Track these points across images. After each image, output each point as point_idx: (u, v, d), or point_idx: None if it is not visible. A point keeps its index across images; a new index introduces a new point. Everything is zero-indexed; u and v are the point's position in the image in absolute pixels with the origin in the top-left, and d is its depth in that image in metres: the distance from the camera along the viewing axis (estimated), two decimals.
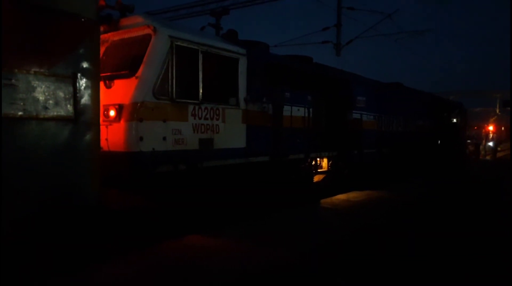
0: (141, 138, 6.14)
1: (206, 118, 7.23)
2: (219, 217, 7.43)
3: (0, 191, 4.24)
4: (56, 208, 4.85)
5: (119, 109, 6.11)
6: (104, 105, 5.97)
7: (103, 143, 5.80)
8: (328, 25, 18.29)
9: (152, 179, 6.40)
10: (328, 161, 11.04)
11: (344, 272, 5.04)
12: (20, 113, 4.55)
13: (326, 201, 9.33)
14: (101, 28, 6.63)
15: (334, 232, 6.80)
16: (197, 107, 7.04)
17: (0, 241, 3.93)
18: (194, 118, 7.01)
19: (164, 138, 6.49)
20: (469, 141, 28.62)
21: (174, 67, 6.61)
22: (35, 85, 4.68)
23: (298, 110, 9.66)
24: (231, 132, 7.76)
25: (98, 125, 5.41)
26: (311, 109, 10.10)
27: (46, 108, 4.76)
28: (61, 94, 4.91)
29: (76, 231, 4.97)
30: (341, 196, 10.01)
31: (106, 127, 6.11)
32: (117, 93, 6.28)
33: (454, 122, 21.72)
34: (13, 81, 4.51)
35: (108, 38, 6.98)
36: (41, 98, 4.73)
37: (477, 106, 55.38)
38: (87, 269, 4.72)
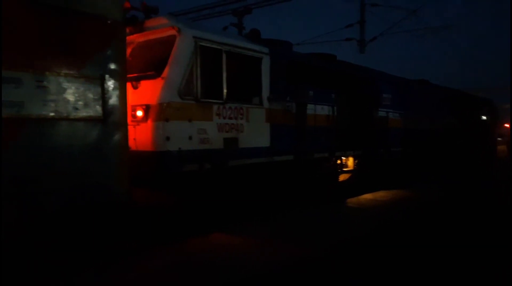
0: (167, 138, 6.22)
1: (230, 118, 7.26)
2: (244, 215, 7.47)
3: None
4: (87, 205, 4.98)
5: (146, 109, 6.21)
6: (132, 106, 6.08)
7: (131, 143, 5.90)
8: (352, 22, 18.09)
9: (178, 178, 6.48)
10: (354, 160, 10.91)
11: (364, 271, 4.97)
12: (51, 114, 4.69)
13: (352, 201, 9.22)
14: (127, 30, 6.76)
15: (359, 231, 6.71)
16: (221, 107, 7.08)
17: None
18: (219, 118, 7.06)
19: (190, 138, 6.56)
20: (499, 139, 27.71)
21: (198, 67, 6.67)
22: (65, 86, 4.82)
23: (322, 108, 9.58)
24: (255, 131, 7.77)
25: (126, 125, 5.52)
26: (335, 107, 10.00)
27: (76, 109, 4.89)
28: (90, 95, 5.04)
29: (106, 227, 5.09)
30: (367, 196, 9.87)
31: (134, 127, 6.22)
32: (144, 94, 6.39)
33: (483, 120, 21.07)
34: (44, 83, 4.65)
35: (134, 39, 7.11)
36: (71, 99, 4.86)
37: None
38: (117, 264, 4.82)
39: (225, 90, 7.13)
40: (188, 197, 6.72)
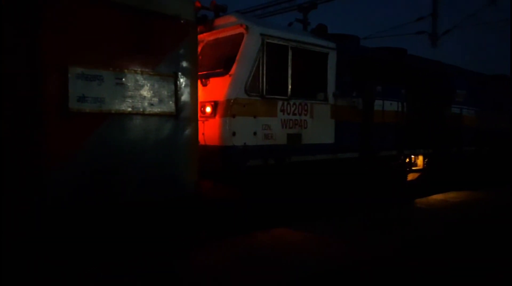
0: (234, 133, 6.40)
1: (294, 114, 7.28)
2: (306, 211, 7.46)
3: None
4: (159, 195, 5.28)
5: (215, 105, 6.43)
6: (201, 102, 6.33)
7: (200, 138, 6.15)
8: (423, 15, 17.22)
9: (243, 172, 6.64)
10: (424, 159, 10.43)
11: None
12: (129, 109, 5.02)
13: (421, 201, 8.85)
14: (198, 29, 7.02)
15: (428, 233, 6.43)
16: (285, 103, 7.12)
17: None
18: (283, 114, 7.10)
19: (255, 133, 6.69)
20: None
21: (264, 64, 6.76)
22: (141, 83, 5.13)
23: (391, 104, 9.26)
24: (319, 128, 7.72)
25: (197, 120, 5.77)
26: (405, 103, 9.61)
27: (151, 104, 5.19)
28: (164, 92, 5.32)
29: (177, 217, 5.37)
30: (438, 196, 9.40)
31: (203, 122, 6.47)
32: (213, 91, 6.61)
33: None
34: (123, 80, 4.98)
35: (204, 38, 7.36)
36: (147, 95, 5.17)
37: None
38: (185, 254, 5.07)
39: (289, 86, 7.16)
40: (252, 191, 6.87)
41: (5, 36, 4.22)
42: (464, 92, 11.40)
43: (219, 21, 7.22)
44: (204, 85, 6.70)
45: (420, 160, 10.39)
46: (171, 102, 5.37)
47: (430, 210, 8.06)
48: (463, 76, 11.90)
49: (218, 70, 6.74)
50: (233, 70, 6.55)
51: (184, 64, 5.51)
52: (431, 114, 10.53)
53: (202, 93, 6.45)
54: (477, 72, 13.48)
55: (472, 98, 11.67)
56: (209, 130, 6.47)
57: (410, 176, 10.18)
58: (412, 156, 10.12)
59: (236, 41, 6.79)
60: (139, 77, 5.11)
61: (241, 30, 6.74)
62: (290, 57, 7.16)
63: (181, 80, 5.47)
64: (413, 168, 10.21)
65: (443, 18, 16.84)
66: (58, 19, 4.47)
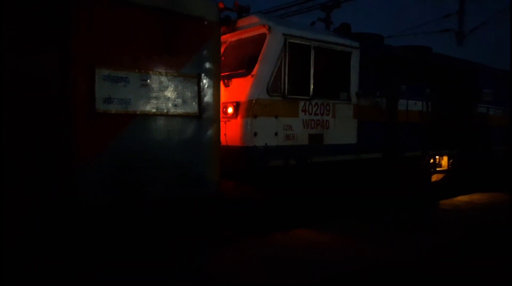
0: (255, 134, 6.42)
1: (316, 114, 7.26)
2: (328, 212, 7.43)
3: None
4: (183, 194, 5.36)
5: (236, 106, 6.47)
6: (223, 103, 6.38)
7: (222, 138, 6.21)
8: (449, 12, 16.81)
9: (264, 172, 6.66)
10: (449, 159, 10.22)
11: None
12: (153, 110, 5.11)
13: (446, 202, 8.68)
14: (221, 30, 7.07)
15: (453, 236, 6.30)
16: (307, 103, 7.11)
17: None
18: (305, 114, 7.09)
19: (276, 134, 6.70)
20: None
21: (286, 64, 6.76)
22: (166, 85, 5.21)
23: (415, 104, 9.11)
24: (342, 128, 7.66)
25: (219, 121, 5.82)
26: (429, 103, 9.44)
27: (175, 105, 5.28)
28: (187, 93, 5.40)
29: (199, 216, 5.45)
30: (463, 198, 9.20)
31: (225, 123, 6.52)
32: (235, 91, 6.65)
33: None
34: (148, 81, 5.08)
35: (227, 39, 7.42)
36: (171, 96, 5.25)
37: None
38: (207, 253, 5.14)
39: (311, 86, 7.14)
40: (273, 191, 6.88)
41: (37, 40, 4.36)
42: (491, 91, 11.10)
43: (242, 22, 7.26)
44: (227, 85, 6.75)
45: (445, 161, 10.19)
46: (194, 103, 5.45)
47: (455, 211, 7.90)
48: (490, 74, 11.59)
49: (240, 71, 6.78)
50: (255, 70, 6.58)
51: (208, 65, 5.57)
52: (456, 114, 10.31)
53: (224, 93, 6.50)
54: (505, 70, 13.09)
55: (499, 97, 11.35)
56: (231, 131, 6.52)
57: (435, 177, 10.00)
58: (437, 157, 9.93)
59: (258, 41, 6.81)
60: (163, 79, 5.19)
61: (263, 30, 6.76)
62: (312, 57, 7.13)
63: (204, 81, 5.54)
64: (438, 168, 10.02)
65: (470, 16, 16.40)
66: (86, 22, 4.59)
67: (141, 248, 4.92)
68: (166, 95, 5.21)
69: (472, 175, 10.76)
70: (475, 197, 9.35)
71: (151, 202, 5.09)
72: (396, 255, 5.29)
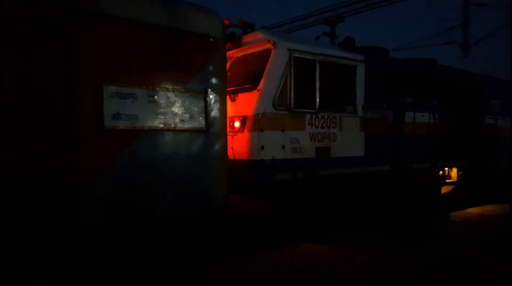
0: (262, 147, 6.45)
1: (323, 127, 7.28)
2: (337, 226, 7.38)
3: None
4: (190, 209, 5.37)
5: (243, 120, 6.52)
6: (230, 117, 6.44)
7: (229, 152, 6.24)
8: (453, 25, 16.89)
9: (272, 186, 6.66)
10: (458, 171, 10.14)
11: None
12: (161, 125, 5.17)
13: (456, 214, 8.57)
14: (227, 46, 7.17)
15: (464, 248, 6.21)
16: (314, 116, 7.14)
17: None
18: (311, 127, 7.12)
19: (283, 147, 6.72)
20: None
21: (292, 78, 6.83)
22: (173, 100, 5.28)
23: (422, 116, 9.10)
24: (348, 141, 7.67)
25: (226, 135, 5.86)
26: (436, 115, 9.42)
27: (182, 120, 5.34)
28: (194, 108, 5.46)
29: (207, 230, 5.44)
30: (473, 210, 9.08)
31: (232, 137, 6.57)
32: (241, 106, 6.71)
33: None
34: (155, 97, 5.15)
35: (232, 55, 7.52)
36: (178, 112, 5.31)
37: None
38: (214, 268, 5.10)
39: (317, 100, 7.18)
40: (280, 205, 6.87)
41: (46, 59, 4.46)
42: (498, 102, 11.06)
43: (247, 38, 7.37)
44: (233, 100, 6.81)
45: (454, 173, 10.11)
46: (201, 118, 5.50)
47: (466, 224, 7.79)
48: (497, 86, 11.56)
49: (246, 86, 6.85)
50: (261, 85, 6.64)
51: (214, 80, 5.64)
52: (464, 125, 10.26)
53: (231, 108, 6.57)
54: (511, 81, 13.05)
55: (507, 108, 11.30)
56: (238, 145, 6.55)
57: (444, 189, 9.90)
58: (446, 169, 9.86)
59: (263, 56, 6.90)
60: (170, 95, 5.26)
61: (268, 45, 6.85)
62: (317, 71, 7.20)
63: (211, 96, 5.60)
64: (447, 180, 9.93)
65: (475, 28, 16.46)
66: (94, 41, 4.69)
67: (147, 264, 4.91)
68: (173, 110, 5.27)
69: (482, 186, 10.63)
70: (486, 209, 9.22)
71: (159, 217, 5.10)
72: (406, 269, 5.22)
